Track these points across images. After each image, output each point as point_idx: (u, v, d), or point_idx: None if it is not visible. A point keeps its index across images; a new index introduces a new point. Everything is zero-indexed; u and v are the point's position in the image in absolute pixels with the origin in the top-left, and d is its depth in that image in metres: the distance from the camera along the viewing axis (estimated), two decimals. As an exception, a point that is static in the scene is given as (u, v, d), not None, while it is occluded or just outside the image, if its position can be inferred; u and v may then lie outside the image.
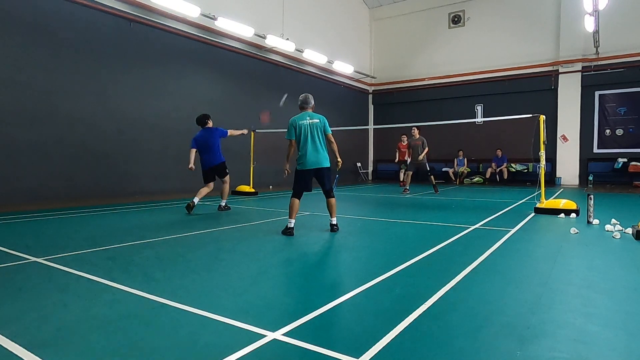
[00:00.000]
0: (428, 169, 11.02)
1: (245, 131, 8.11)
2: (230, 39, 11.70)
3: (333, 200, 5.21)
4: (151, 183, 9.83)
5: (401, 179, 13.64)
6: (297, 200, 5.11)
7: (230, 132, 7.60)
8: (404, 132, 14.08)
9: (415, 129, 11.08)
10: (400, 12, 18.05)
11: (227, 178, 7.52)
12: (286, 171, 5.56)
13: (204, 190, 7.27)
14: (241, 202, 8.90)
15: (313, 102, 5.31)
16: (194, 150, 7.19)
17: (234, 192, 10.86)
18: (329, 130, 5.22)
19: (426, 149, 10.88)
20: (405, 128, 12.36)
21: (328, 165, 5.17)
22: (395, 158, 14.26)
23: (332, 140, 5.25)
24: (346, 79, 17.24)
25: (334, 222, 5.21)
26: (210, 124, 7.47)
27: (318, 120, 5.15)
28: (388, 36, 18.57)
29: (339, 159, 5.36)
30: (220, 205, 7.48)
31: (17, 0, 7.53)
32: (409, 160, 11.69)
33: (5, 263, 3.60)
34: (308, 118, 5.13)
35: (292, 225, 5.01)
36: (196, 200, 7.04)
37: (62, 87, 8.14)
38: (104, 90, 8.84)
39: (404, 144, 13.62)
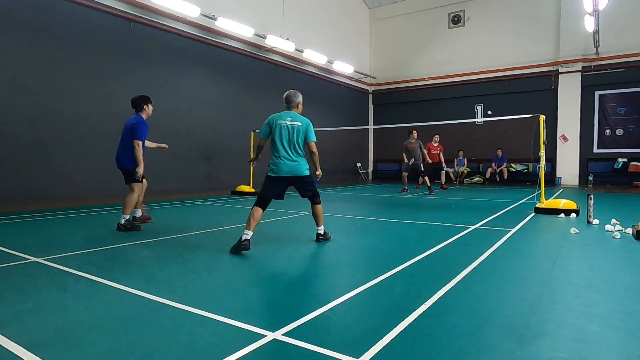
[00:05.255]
0: (422, 169, 11.48)
1: (165, 145, 6.35)
2: (230, 39, 11.69)
3: (319, 207, 4.56)
4: (150, 183, 9.71)
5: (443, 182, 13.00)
6: (259, 209, 4.27)
7: (147, 143, 5.82)
8: (437, 132, 12.86)
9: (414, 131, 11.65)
10: (400, 12, 18.05)
11: (135, 186, 5.54)
12: (252, 162, 5.08)
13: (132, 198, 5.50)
14: (241, 202, 8.90)
15: (299, 100, 4.55)
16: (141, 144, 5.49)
17: (234, 192, 10.85)
18: (313, 137, 4.43)
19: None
20: (405, 128, 12.23)
21: (308, 173, 4.46)
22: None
23: (315, 150, 4.45)
24: (346, 79, 17.24)
25: (321, 231, 4.59)
26: (147, 110, 5.58)
27: (300, 124, 4.36)
28: (388, 36, 18.57)
29: (319, 171, 4.62)
30: (131, 218, 5.46)
31: (18, 0, 7.53)
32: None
33: (5, 263, 3.60)
34: (289, 119, 4.36)
35: (248, 238, 4.04)
36: (126, 217, 5.31)
37: (62, 87, 8.14)
38: (104, 90, 8.83)
39: (435, 144, 12.43)
